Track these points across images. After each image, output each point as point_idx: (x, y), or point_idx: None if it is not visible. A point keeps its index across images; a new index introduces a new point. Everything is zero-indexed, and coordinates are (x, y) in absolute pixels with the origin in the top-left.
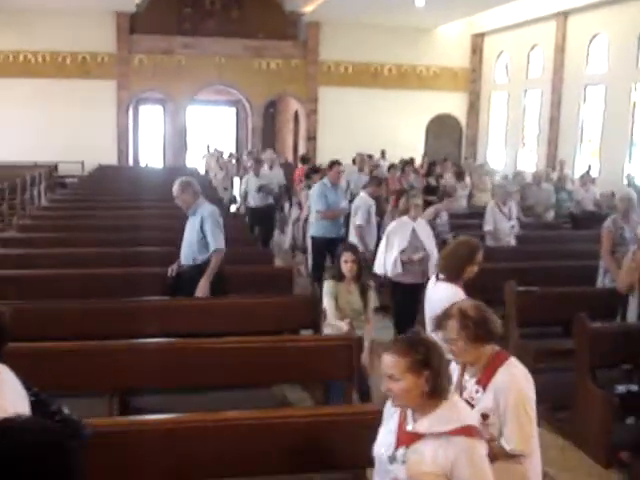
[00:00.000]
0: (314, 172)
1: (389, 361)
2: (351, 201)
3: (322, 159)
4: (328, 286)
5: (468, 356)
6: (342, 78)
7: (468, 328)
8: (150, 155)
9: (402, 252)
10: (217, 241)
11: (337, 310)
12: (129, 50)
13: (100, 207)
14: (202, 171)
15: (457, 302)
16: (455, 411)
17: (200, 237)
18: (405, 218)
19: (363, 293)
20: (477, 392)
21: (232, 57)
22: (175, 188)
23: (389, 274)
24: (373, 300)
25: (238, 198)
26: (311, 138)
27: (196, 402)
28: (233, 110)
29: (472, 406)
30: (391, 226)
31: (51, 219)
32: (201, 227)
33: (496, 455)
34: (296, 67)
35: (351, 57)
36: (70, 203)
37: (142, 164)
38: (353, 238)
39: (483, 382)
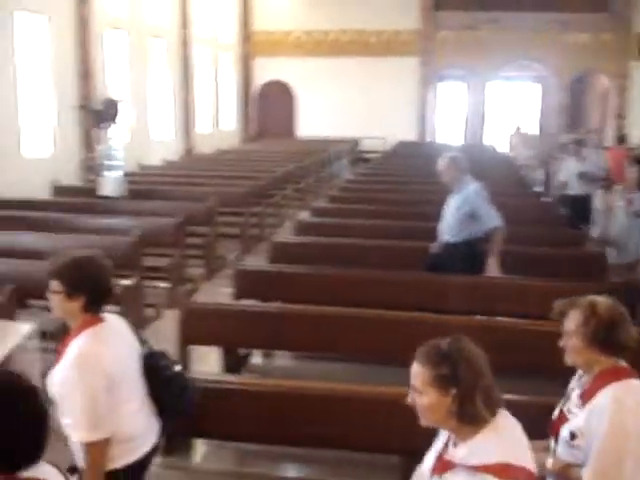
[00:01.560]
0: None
1: (413, 369)
2: None
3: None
4: None
5: (579, 358)
6: None
7: (589, 326)
8: (448, 132)
9: None
10: (494, 218)
11: None
12: (433, 27)
13: (400, 182)
14: (507, 150)
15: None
16: (494, 442)
17: (465, 215)
18: None
19: None
20: (577, 406)
21: (537, 31)
22: (440, 164)
23: None
24: None
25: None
26: (620, 117)
27: None
28: (538, 87)
29: (567, 420)
30: None
31: (355, 192)
32: (465, 205)
33: None
34: (605, 41)
35: None
36: (372, 177)
37: (440, 141)
38: None
39: (585, 397)
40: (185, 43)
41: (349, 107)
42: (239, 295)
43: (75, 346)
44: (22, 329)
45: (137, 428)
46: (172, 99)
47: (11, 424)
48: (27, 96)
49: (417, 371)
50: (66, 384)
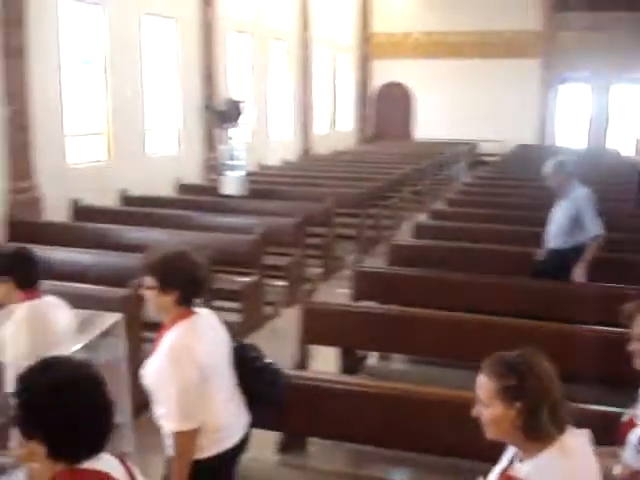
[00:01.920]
0: None
1: (479, 380)
2: None
3: None
4: None
5: None
6: None
7: None
8: (570, 135)
9: None
10: (596, 226)
11: None
12: (555, 28)
13: (518, 186)
14: (632, 154)
15: None
16: (559, 461)
17: (571, 221)
18: None
19: None
20: None
21: None
22: (546, 169)
23: None
24: None
25: None
26: None
27: None
28: None
29: (636, 425)
30: None
31: (474, 195)
32: (572, 209)
33: None
34: None
35: None
36: (491, 180)
37: (560, 144)
38: None
39: None
40: (305, 45)
41: (467, 109)
42: (357, 296)
43: (168, 339)
44: (110, 318)
45: (226, 419)
46: (291, 100)
47: (76, 416)
48: (153, 97)
49: (483, 382)
50: (159, 375)
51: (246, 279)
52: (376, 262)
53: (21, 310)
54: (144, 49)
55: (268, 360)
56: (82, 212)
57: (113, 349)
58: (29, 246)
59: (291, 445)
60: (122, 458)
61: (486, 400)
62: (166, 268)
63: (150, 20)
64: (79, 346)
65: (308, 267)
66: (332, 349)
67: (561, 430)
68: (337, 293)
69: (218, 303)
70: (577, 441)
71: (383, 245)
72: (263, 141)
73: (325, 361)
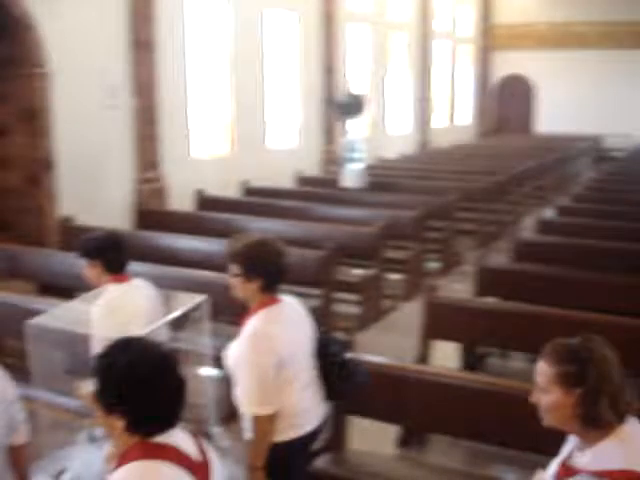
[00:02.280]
0: None
1: (539, 366)
2: None
3: None
4: None
5: None
6: None
7: None
8: None
9: None
10: None
11: None
12: None
13: None
14: None
15: None
16: (620, 449)
17: None
18: None
19: None
20: None
21: None
22: None
23: None
24: None
25: None
26: None
27: None
28: None
29: None
30: None
31: (601, 191)
32: None
33: None
34: None
35: None
36: (618, 176)
37: None
38: None
39: None
40: (425, 36)
41: (592, 102)
42: (481, 292)
43: (251, 325)
44: (195, 298)
45: (302, 406)
46: (410, 93)
47: (150, 393)
48: (274, 90)
49: (543, 368)
50: (240, 359)
51: (365, 272)
52: (497, 258)
53: (108, 292)
54: (266, 42)
55: (350, 355)
56: (206, 202)
57: (197, 330)
58: (156, 234)
59: (410, 440)
60: (195, 435)
61: (545, 386)
62: (249, 256)
63: (272, 13)
64: (162, 325)
65: (427, 261)
66: (451, 344)
67: (621, 419)
68: (455, 289)
69: (338, 295)
70: (637, 430)
71: (503, 241)
72: (381, 134)
73: (445, 357)
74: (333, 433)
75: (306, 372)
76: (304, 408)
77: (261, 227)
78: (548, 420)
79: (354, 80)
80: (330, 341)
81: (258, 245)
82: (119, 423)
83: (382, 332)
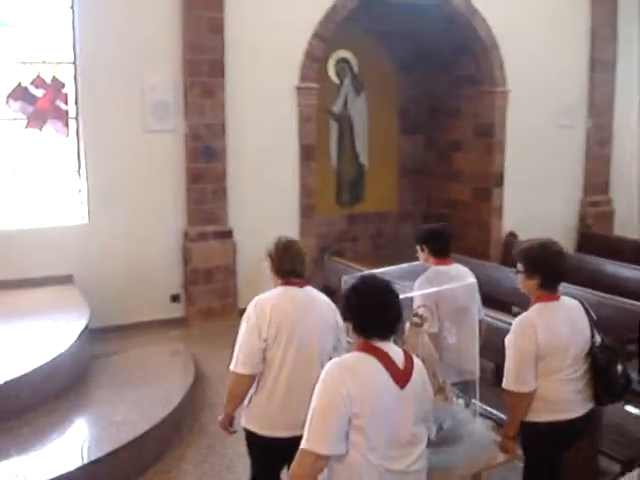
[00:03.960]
0: None
1: None
2: None
3: None
4: None
5: None
6: None
7: None
8: None
9: None
10: None
11: None
12: None
13: None
14: None
15: None
16: None
17: None
18: None
19: None
20: None
21: None
22: None
23: None
24: None
25: None
26: None
27: None
28: None
29: None
30: None
31: None
32: None
33: None
34: None
35: None
36: None
37: None
38: None
39: None
40: None
41: None
42: None
43: (524, 314)
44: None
45: (560, 396)
46: None
47: (367, 308)
48: None
49: None
50: (507, 341)
51: None
52: None
53: (429, 270)
54: None
55: (620, 367)
56: None
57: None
58: (599, 259)
59: None
60: (407, 352)
61: None
62: (530, 256)
63: None
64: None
65: None
66: None
67: None
68: None
69: None
70: None
71: None
72: None
73: None
74: None
75: (572, 368)
76: (562, 398)
77: None
78: None
79: None
80: (605, 350)
81: (539, 247)
82: (351, 328)
83: None
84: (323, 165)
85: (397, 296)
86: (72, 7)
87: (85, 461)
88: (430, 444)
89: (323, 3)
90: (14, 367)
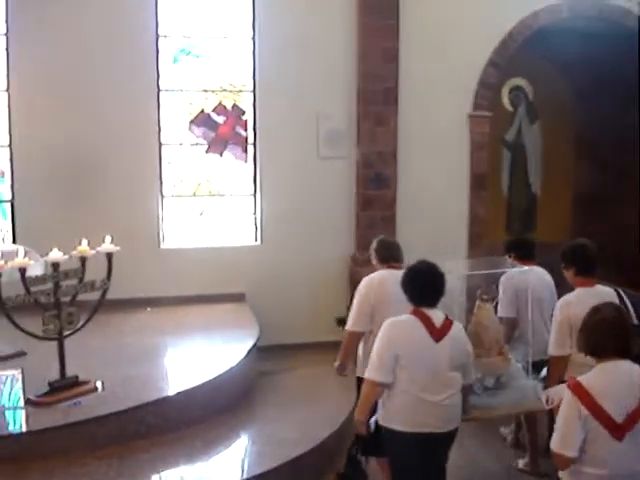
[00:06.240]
0: None
1: None
2: None
3: None
4: None
5: None
6: None
7: None
8: None
9: None
10: None
11: None
12: None
13: None
14: None
15: None
16: None
17: None
18: None
19: None
20: None
21: None
22: None
23: None
24: None
25: None
26: None
27: None
28: None
29: None
30: None
31: None
32: None
33: None
34: None
35: None
36: None
37: None
38: None
39: None
40: None
41: None
42: None
43: (565, 295)
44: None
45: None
46: None
47: (417, 282)
48: None
49: None
50: (553, 319)
51: None
52: None
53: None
54: None
55: None
56: None
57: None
58: None
59: None
60: (449, 318)
61: None
62: (565, 251)
63: None
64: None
65: None
66: None
67: None
68: None
69: None
70: None
71: None
72: None
73: None
74: None
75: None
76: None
77: None
78: None
79: None
80: None
81: (573, 244)
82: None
83: None
84: (494, 194)
85: (441, 275)
86: (253, 38)
87: (245, 475)
88: (488, 389)
89: (498, 31)
90: (186, 379)
